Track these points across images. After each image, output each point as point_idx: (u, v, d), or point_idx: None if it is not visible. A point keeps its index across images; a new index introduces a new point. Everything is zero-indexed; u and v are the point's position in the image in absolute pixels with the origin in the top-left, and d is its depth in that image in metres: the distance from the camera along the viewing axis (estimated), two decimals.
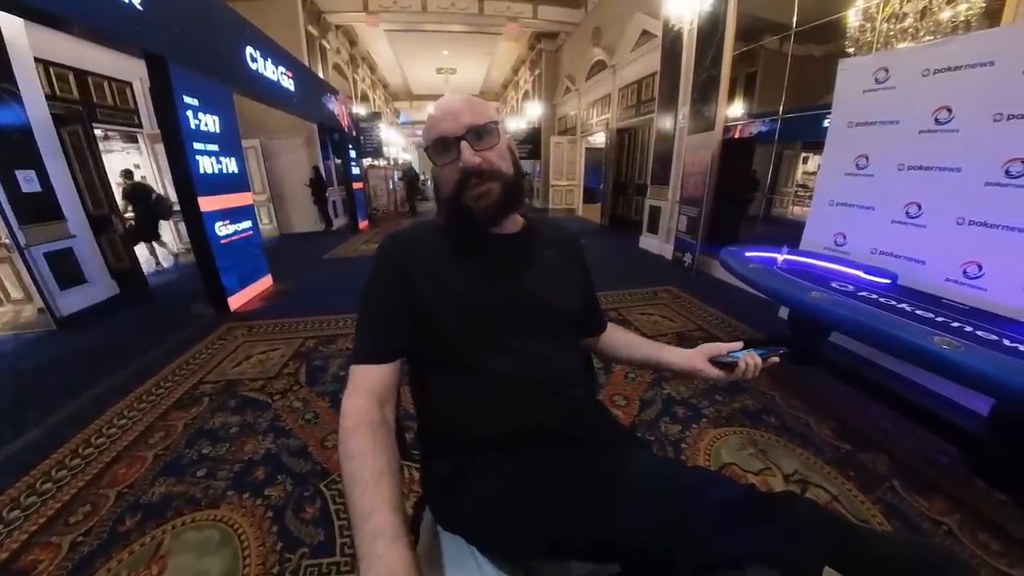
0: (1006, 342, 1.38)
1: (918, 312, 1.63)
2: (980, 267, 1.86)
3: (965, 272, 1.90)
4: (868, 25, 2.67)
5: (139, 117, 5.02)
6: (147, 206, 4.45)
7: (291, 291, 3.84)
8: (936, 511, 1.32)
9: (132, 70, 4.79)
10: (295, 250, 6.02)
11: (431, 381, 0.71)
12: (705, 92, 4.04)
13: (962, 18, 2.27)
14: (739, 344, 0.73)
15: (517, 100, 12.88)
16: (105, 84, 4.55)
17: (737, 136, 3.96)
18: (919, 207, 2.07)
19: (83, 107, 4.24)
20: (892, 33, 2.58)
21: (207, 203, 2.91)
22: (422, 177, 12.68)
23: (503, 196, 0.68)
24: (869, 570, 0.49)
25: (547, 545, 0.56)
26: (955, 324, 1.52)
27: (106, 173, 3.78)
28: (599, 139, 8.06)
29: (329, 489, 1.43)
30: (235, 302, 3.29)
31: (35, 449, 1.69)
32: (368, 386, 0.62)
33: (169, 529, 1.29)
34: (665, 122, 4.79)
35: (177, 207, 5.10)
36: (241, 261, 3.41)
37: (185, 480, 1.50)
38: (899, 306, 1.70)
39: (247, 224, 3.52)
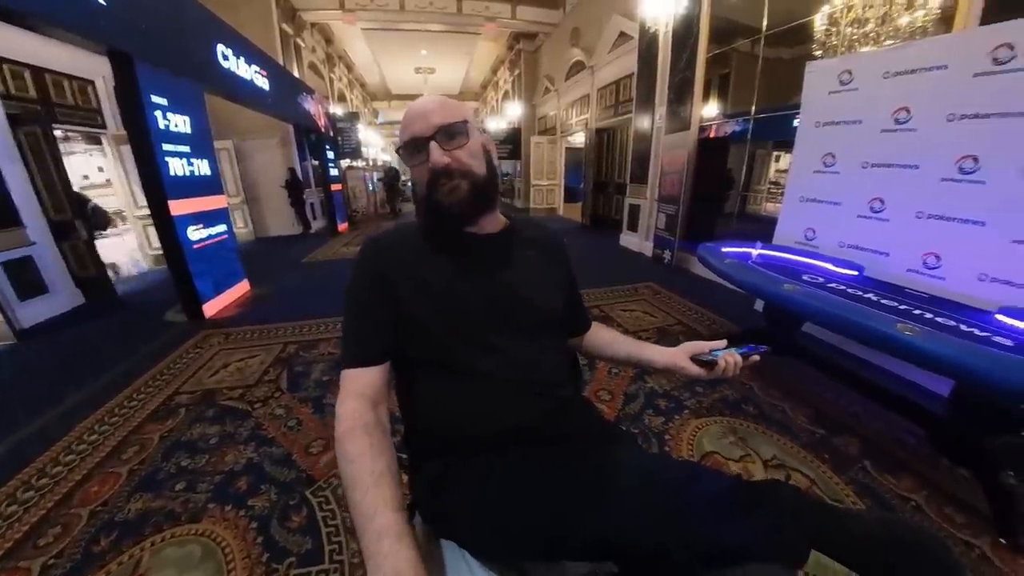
0: (963, 327, 1.48)
1: (883, 301, 1.72)
2: (938, 258, 1.98)
3: (925, 263, 2.02)
4: (833, 29, 2.79)
5: (102, 117, 4.78)
6: (83, 216, 4.22)
7: (269, 296, 3.74)
8: (904, 488, 1.40)
9: (94, 67, 4.55)
10: (272, 254, 5.86)
11: (416, 382, 0.71)
12: (680, 93, 4.14)
13: (919, 24, 2.41)
14: (722, 342, 0.74)
15: (497, 100, 12.88)
16: (65, 82, 4.31)
17: (712, 136, 4.08)
18: (882, 202, 2.18)
19: (41, 106, 4.02)
20: (855, 37, 2.71)
21: (178, 207, 2.80)
22: (403, 177, 12.51)
23: (472, 193, 0.68)
24: (850, 549, 0.51)
25: (540, 546, 0.55)
26: (916, 311, 1.61)
27: (68, 176, 3.60)
28: (579, 139, 8.14)
29: (316, 496, 1.41)
30: (210, 309, 3.18)
31: None
32: (359, 390, 0.63)
33: (148, 546, 1.24)
34: (643, 122, 4.88)
35: (143, 213, 4.92)
36: (216, 266, 3.30)
37: (163, 495, 1.44)
38: (865, 296, 1.78)
39: (221, 228, 3.41)
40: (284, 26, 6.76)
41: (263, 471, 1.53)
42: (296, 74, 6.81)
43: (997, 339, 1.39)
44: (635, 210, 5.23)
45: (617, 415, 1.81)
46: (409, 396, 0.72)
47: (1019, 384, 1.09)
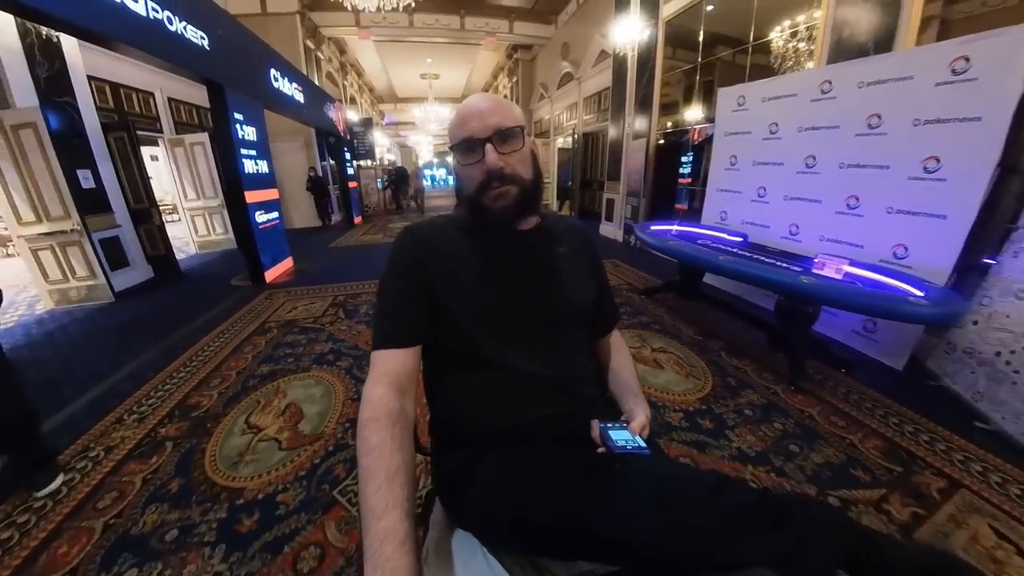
0: (779, 264, 2.35)
1: (743, 253, 2.59)
2: (798, 227, 2.84)
3: (790, 231, 2.88)
4: (788, 45, 3.50)
5: (160, 123, 5.68)
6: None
7: (311, 270, 4.62)
8: (741, 364, 2.25)
9: (154, 82, 5.46)
10: (302, 242, 6.72)
11: (444, 372, 0.72)
12: (644, 105, 5.01)
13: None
14: (640, 425, 0.71)
15: None
16: (134, 95, 5.21)
17: (663, 141, 4.95)
18: (765, 190, 3.05)
19: (118, 115, 4.91)
20: (803, 52, 3.37)
21: (250, 196, 3.68)
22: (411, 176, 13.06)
23: (520, 200, 0.70)
24: (883, 575, 0.51)
25: (556, 543, 0.55)
26: (758, 257, 2.48)
27: (147, 172, 4.48)
28: (570, 141, 9.01)
29: None
30: (268, 276, 4.06)
31: (148, 366, 2.46)
32: (389, 372, 0.63)
33: (281, 383, 2.12)
34: (616, 129, 5.74)
35: (192, 206, 5.81)
36: (271, 243, 4.18)
37: (280, 364, 2.31)
38: (735, 251, 2.65)
39: (275, 214, 4.30)
40: (307, 42, 7.65)
41: (341, 351, 2.43)
42: (316, 83, 7.70)
43: (794, 269, 2.27)
44: (611, 203, 6.11)
45: None
46: (437, 385, 0.74)
47: (785, 284, 1.96)
